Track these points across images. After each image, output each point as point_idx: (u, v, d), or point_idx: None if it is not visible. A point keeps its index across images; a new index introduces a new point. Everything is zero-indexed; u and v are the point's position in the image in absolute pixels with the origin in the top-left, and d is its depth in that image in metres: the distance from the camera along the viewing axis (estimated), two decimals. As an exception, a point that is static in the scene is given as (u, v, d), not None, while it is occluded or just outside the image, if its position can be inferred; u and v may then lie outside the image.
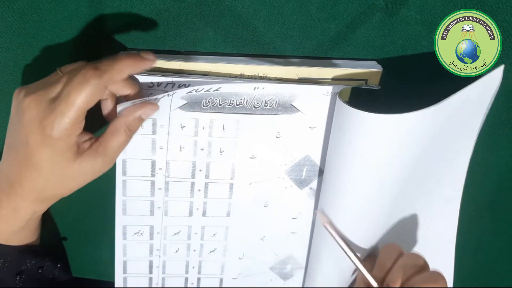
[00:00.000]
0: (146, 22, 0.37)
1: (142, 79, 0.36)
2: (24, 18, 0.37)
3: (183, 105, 0.37)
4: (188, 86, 0.36)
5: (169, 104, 0.36)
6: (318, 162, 0.41)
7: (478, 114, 0.36)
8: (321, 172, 0.41)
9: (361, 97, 0.38)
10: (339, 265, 0.42)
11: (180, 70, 0.37)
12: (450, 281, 0.43)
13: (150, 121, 0.37)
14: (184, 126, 0.38)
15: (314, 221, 0.43)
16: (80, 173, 0.34)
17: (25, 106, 0.32)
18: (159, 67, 0.37)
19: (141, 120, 0.35)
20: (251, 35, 0.38)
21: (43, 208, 0.37)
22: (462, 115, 0.36)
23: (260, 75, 0.38)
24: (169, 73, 0.36)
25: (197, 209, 0.42)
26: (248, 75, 0.37)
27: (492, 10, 0.36)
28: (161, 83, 0.36)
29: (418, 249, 0.42)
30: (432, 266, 0.37)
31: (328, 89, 0.37)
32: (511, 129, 0.42)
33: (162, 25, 0.37)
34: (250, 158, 0.40)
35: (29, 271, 0.40)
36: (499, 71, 0.34)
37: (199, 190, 0.41)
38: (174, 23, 0.37)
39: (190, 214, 0.42)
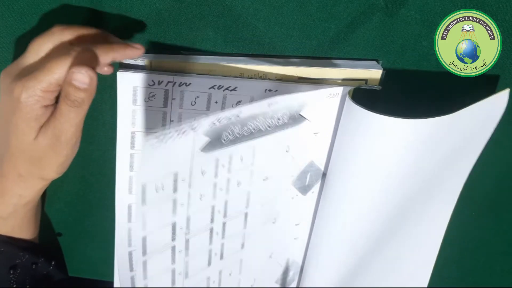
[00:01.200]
0: (146, 22, 0.37)
1: (143, 77, 0.36)
2: (24, 18, 0.37)
3: (205, 145, 0.36)
4: (189, 84, 0.36)
5: (192, 147, 0.35)
6: (321, 167, 0.41)
7: (486, 132, 0.36)
8: (323, 175, 0.41)
9: (361, 97, 0.38)
10: (337, 266, 0.42)
11: (180, 70, 0.37)
12: (426, 280, 0.44)
13: (162, 92, 0.36)
14: (205, 172, 0.37)
15: (312, 225, 0.43)
16: (41, 151, 0.34)
17: (1, 77, 0.33)
18: (159, 67, 0.37)
19: (72, 86, 0.31)
20: (251, 35, 0.38)
21: (28, 193, 0.37)
22: (471, 129, 0.36)
23: (260, 75, 0.38)
24: (170, 72, 0.36)
25: (215, 254, 0.41)
26: (248, 75, 0.38)
27: (492, 10, 0.36)
28: (162, 81, 0.36)
29: (403, 245, 0.42)
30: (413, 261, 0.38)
31: (332, 91, 0.37)
32: (511, 129, 0.42)
33: (162, 25, 0.37)
34: (263, 180, 0.40)
35: (23, 266, 0.40)
36: (505, 94, 0.34)
37: (217, 233, 0.40)
38: (174, 23, 0.37)
39: (209, 263, 0.41)
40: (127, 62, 0.36)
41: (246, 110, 0.35)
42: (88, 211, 0.46)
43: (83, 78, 0.31)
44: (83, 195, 0.45)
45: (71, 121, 0.33)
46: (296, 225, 0.43)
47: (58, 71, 0.31)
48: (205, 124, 0.34)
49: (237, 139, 0.37)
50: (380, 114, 0.34)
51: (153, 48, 0.38)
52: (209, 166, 0.37)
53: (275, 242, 0.44)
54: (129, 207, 0.41)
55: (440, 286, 0.47)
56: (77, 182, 0.44)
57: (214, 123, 0.35)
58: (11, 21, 0.37)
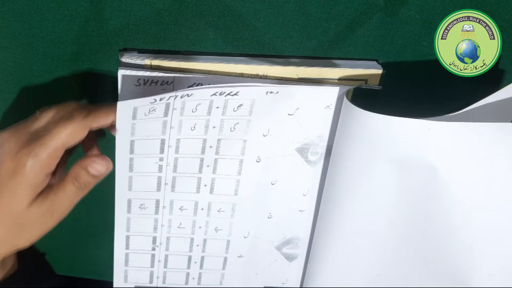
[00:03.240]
0: (146, 22, 0.37)
1: (144, 76, 0.36)
2: (24, 18, 0.37)
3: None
4: (191, 95, 0.36)
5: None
6: (325, 143, 0.40)
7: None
8: (328, 151, 0.41)
9: (361, 97, 0.38)
10: (346, 246, 0.42)
11: (180, 69, 0.37)
12: None
13: (163, 105, 0.36)
14: (199, 104, 0.37)
15: (319, 199, 0.43)
16: (28, 220, 0.33)
17: (5, 138, 0.32)
18: (159, 67, 0.37)
19: (86, 171, 0.34)
20: (251, 35, 0.38)
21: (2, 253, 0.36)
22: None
23: (260, 75, 0.38)
24: (170, 71, 0.36)
25: (205, 185, 0.42)
26: (248, 75, 0.37)
27: (492, 10, 0.36)
28: (163, 97, 0.36)
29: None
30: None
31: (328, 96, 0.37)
32: (511, 129, 0.42)
33: (162, 25, 0.37)
34: (263, 136, 0.40)
35: None
36: None
37: (208, 166, 0.41)
38: (174, 23, 0.37)
39: (198, 190, 0.42)
40: (127, 61, 0.37)
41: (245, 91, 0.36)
42: (88, 211, 0.46)
43: (101, 168, 0.34)
44: (83, 195, 0.45)
45: (71, 201, 0.34)
46: (304, 195, 0.43)
47: (63, 135, 0.32)
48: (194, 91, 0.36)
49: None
50: (378, 113, 0.34)
51: (153, 48, 0.38)
52: (203, 101, 0.37)
53: (275, 205, 0.43)
54: (129, 208, 0.42)
55: (441, 286, 0.47)
56: (77, 182, 0.44)
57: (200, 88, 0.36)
58: (11, 21, 0.37)
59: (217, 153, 0.40)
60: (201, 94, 0.36)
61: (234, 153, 0.40)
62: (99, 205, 0.45)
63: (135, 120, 0.36)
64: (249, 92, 0.37)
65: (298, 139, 0.40)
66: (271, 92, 0.37)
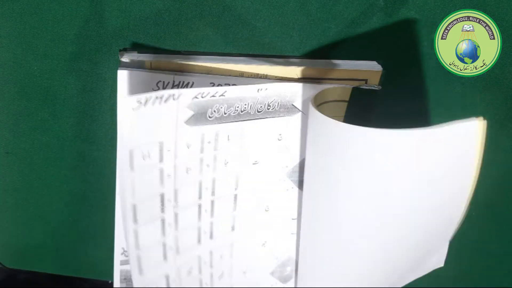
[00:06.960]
0: (146, 22, 0.37)
1: (144, 76, 0.36)
2: (24, 18, 0.37)
3: (189, 118, 0.36)
4: (189, 85, 0.36)
5: (175, 118, 0.35)
6: None
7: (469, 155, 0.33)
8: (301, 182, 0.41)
9: (361, 97, 0.38)
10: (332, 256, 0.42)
11: (180, 69, 0.37)
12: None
13: (158, 147, 0.36)
14: (190, 145, 0.37)
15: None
16: None
17: None
18: (159, 67, 0.37)
19: None
20: (251, 35, 0.38)
21: None
22: (452, 149, 0.31)
23: (260, 74, 0.38)
24: (170, 71, 0.36)
25: (205, 232, 0.41)
26: (248, 75, 0.38)
27: (492, 10, 0.36)
28: (161, 81, 0.36)
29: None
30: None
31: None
32: (511, 129, 0.42)
33: (162, 25, 0.37)
34: (253, 164, 0.40)
35: None
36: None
37: (205, 210, 0.40)
38: (174, 23, 0.37)
39: (199, 241, 0.41)
40: (127, 61, 0.37)
41: (233, 91, 0.35)
42: (88, 211, 0.46)
43: None
44: (83, 195, 0.45)
45: None
46: (293, 219, 0.43)
47: None
48: (187, 96, 0.34)
49: (223, 118, 0.36)
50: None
51: (153, 48, 0.38)
52: (195, 140, 0.37)
53: (268, 231, 0.43)
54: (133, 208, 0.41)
55: (439, 286, 0.47)
56: (77, 182, 0.44)
57: (196, 97, 0.35)
58: (11, 21, 0.37)
59: (212, 194, 0.40)
60: (200, 85, 0.36)
61: (228, 189, 0.40)
62: (99, 205, 0.45)
63: (133, 173, 0.36)
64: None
65: (287, 163, 0.40)
66: (260, 89, 0.36)
